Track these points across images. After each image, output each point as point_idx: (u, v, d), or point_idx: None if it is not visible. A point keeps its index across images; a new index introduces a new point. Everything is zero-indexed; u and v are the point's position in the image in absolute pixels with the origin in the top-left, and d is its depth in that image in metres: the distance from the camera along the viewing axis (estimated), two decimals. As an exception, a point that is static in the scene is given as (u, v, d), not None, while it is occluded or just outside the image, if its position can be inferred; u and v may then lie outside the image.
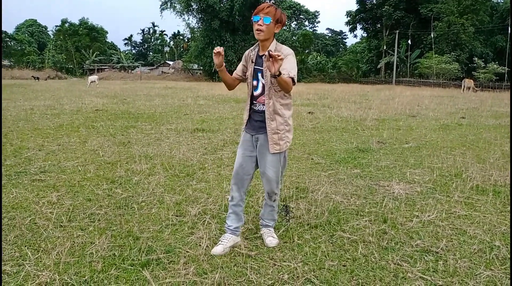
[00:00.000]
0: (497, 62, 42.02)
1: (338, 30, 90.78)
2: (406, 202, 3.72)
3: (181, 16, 51.67)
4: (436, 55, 43.03)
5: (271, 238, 2.80)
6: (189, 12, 52.05)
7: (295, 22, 59.21)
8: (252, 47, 2.73)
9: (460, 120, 10.28)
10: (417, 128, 8.60)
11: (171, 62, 72.03)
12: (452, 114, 11.79)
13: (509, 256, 2.66)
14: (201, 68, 58.41)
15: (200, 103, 14.44)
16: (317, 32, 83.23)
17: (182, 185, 4.17)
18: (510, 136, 6.93)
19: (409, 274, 2.40)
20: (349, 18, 57.72)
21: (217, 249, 2.64)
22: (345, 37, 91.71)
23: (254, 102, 2.70)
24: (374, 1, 53.56)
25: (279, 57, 2.20)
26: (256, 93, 2.66)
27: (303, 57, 58.10)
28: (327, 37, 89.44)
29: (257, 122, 2.68)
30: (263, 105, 2.63)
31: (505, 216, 3.37)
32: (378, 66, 53.24)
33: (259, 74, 2.63)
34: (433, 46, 45.15)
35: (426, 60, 43.25)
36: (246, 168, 2.72)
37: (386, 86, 36.38)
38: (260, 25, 2.50)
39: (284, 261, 2.55)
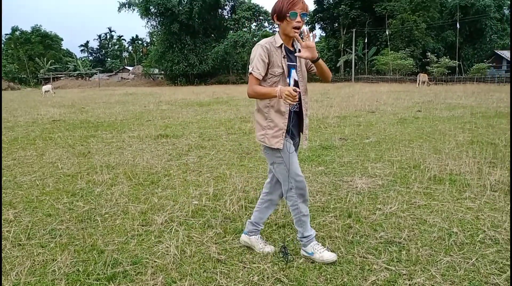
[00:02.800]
0: (448, 57, 44.15)
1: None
2: (369, 196, 3.84)
3: (142, 19, 50.58)
4: (392, 52, 44.66)
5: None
6: (148, 16, 51.14)
7: (255, 24, 59.47)
8: (268, 40, 2.42)
9: (417, 113, 10.71)
10: (377, 123, 8.89)
11: (130, 68, 70.49)
12: (409, 108, 12.27)
13: (466, 241, 2.80)
14: (162, 72, 57.56)
15: (162, 108, 14.22)
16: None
17: (147, 193, 4.09)
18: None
19: (374, 266, 2.48)
20: (307, 18, 58.77)
21: (331, 255, 2.53)
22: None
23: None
24: (331, 0, 54.86)
25: (309, 35, 2.19)
26: None
27: (264, 58, 58.45)
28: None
29: (295, 126, 2.53)
30: (296, 104, 2.44)
31: (461, 203, 3.55)
32: (338, 65, 54.53)
33: (293, 71, 2.45)
34: (388, 43, 46.86)
35: (382, 57, 44.77)
36: (302, 174, 2.54)
37: (346, 84, 37.35)
38: (300, 21, 2.30)
39: (254, 263, 2.56)
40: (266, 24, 62.47)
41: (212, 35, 55.34)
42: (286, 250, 2.63)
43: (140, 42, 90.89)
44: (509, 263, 2.47)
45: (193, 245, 2.83)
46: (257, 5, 56.10)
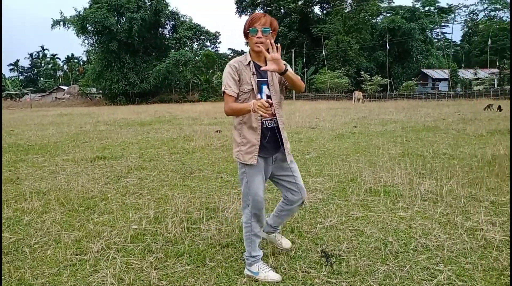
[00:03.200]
0: (380, 75, 47.22)
1: (240, 50, 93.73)
2: (310, 210, 3.93)
3: (79, 37, 48.53)
4: (329, 71, 46.92)
5: (286, 241, 2.93)
6: (85, 34, 49.27)
7: (197, 43, 59.60)
8: (238, 59, 2.48)
9: (353, 129, 11.25)
10: (317, 139, 9.20)
11: (65, 87, 67.07)
12: (346, 124, 12.86)
13: (401, 250, 2.95)
14: (100, 91, 55.44)
15: (100, 129, 13.62)
16: (220, 52, 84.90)
17: (82, 220, 3.85)
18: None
19: (316, 280, 2.52)
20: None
21: (275, 274, 2.56)
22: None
23: (262, 119, 2.46)
24: (270, 22, 56.62)
25: (276, 46, 2.23)
26: None
27: (208, 77, 58.59)
28: (229, 56, 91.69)
29: (270, 142, 2.50)
30: (271, 119, 2.49)
31: (395, 213, 3.75)
32: (279, 83, 56.03)
33: (264, 87, 2.47)
34: (325, 63, 49.20)
35: (320, 76, 46.88)
36: (262, 195, 2.57)
37: (288, 101, 38.41)
38: (260, 37, 2.37)
39: (196, 286, 2.49)
40: (208, 43, 62.86)
41: (153, 53, 54.52)
42: (327, 255, 2.80)
43: (76, 60, 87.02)
44: (439, 268, 2.63)
45: (131, 272, 2.69)
46: (199, 25, 56.41)
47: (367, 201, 4.18)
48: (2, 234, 3.50)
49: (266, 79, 2.47)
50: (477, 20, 77.70)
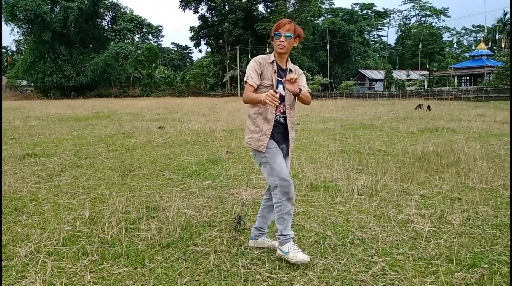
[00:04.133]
0: (321, 74, 48.78)
1: (184, 45, 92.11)
2: (253, 207, 3.95)
3: (7, 25, 44.70)
4: (274, 69, 47.53)
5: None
6: (14, 22, 45.57)
7: (138, 36, 57.59)
8: (263, 56, 2.78)
9: (296, 126, 11.48)
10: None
11: (-9, 79, 61.53)
12: (289, 121, 13.10)
13: (338, 243, 3.06)
14: (32, 84, 51.70)
15: (31, 124, 12.69)
16: (163, 46, 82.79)
17: (8, 222, 3.55)
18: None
19: (257, 276, 2.53)
20: (192, 34, 59.20)
21: (304, 255, 2.64)
22: (191, 51, 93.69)
23: (276, 113, 2.74)
24: (215, 18, 56.25)
25: (294, 80, 2.51)
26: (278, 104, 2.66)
27: (150, 71, 56.87)
28: (173, 51, 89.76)
29: (278, 133, 2.77)
30: (281, 115, 2.76)
31: (334, 208, 3.88)
32: (224, 80, 55.95)
33: (280, 86, 2.71)
34: (270, 61, 49.81)
35: (265, 73, 47.36)
36: (288, 173, 2.74)
37: (233, 98, 38.44)
38: (282, 41, 2.65)
39: (135, 289, 2.40)
40: (150, 37, 60.96)
41: (91, 45, 51.84)
42: (240, 219, 3.10)
43: (4, 50, 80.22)
44: (374, 260, 2.76)
45: (63, 277, 2.53)
46: (140, 17, 54.57)
47: (308, 196, 4.28)
48: None
49: (282, 80, 2.71)
50: (410, 24, 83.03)
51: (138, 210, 3.82)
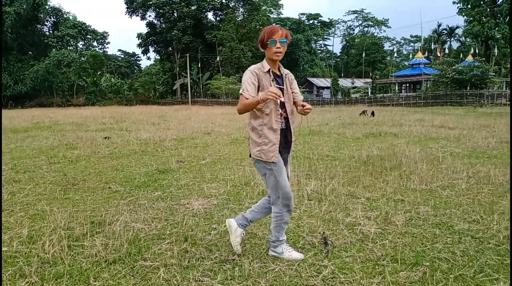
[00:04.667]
0: (271, 82, 49.38)
1: (131, 52, 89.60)
2: (205, 217, 3.89)
3: None
4: (224, 77, 47.69)
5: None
6: None
7: (82, 42, 55.31)
8: (257, 66, 2.74)
9: (247, 133, 11.55)
10: (212, 144, 9.23)
11: None
12: (240, 129, 13.17)
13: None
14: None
15: (-39, 137, 11.67)
16: (109, 53, 79.99)
17: None
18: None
19: (210, 288, 2.49)
20: (140, 41, 57.84)
21: (298, 255, 2.88)
22: (139, 59, 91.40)
23: (282, 121, 2.76)
24: (164, 25, 55.39)
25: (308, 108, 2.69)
26: (281, 111, 2.74)
27: (95, 79, 54.73)
28: (119, 58, 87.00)
29: (285, 141, 2.81)
30: (284, 122, 2.77)
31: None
32: (174, 87, 55.09)
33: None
34: (220, 69, 49.87)
35: (215, 82, 47.40)
36: (290, 187, 2.82)
37: (183, 106, 37.95)
38: (279, 47, 2.65)
39: (78, 310, 2.26)
40: (95, 43, 58.78)
41: (30, 52, 48.94)
42: (326, 240, 3.06)
43: None
44: (324, 263, 2.82)
45: (-3, 303, 2.33)
46: (84, 23, 52.46)
47: (260, 204, 4.29)
48: None
49: (282, 87, 2.76)
50: (353, 34, 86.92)
51: (82, 225, 3.62)
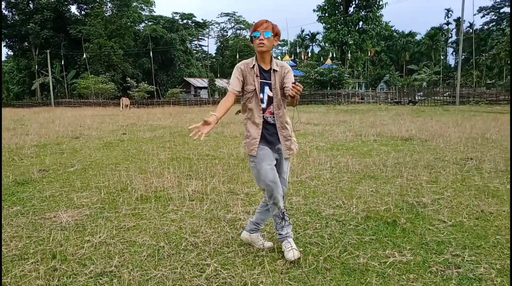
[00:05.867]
0: (146, 82, 47.79)
1: None
2: (76, 229, 3.56)
3: None
4: (92, 76, 44.16)
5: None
6: None
7: None
8: (245, 61, 2.80)
9: (122, 136, 10.95)
10: (82, 149, 8.48)
11: None
12: (114, 131, 12.39)
13: (172, 252, 3.03)
14: None
15: None
16: None
17: None
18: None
19: (85, 305, 2.29)
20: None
21: (292, 254, 2.78)
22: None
23: (264, 115, 2.80)
24: (17, 17, 48.65)
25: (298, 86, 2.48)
26: (263, 106, 2.78)
27: None
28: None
29: (272, 135, 2.83)
30: (271, 116, 2.81)
31: (166, 217, 3.84)
32: (33, 88, 48.87)
33: (266, 87, 2.78)
34: (88, 67, 46.01)
35: (83, 81, 43.59)
36: (277, 177, 2.79)
37: (45, 109, 33.96)
38: (262, 39, 2.68)
39: None
40: None
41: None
42: (284, 216, 2.93)
43: None
44: (207, 262, 2.84)
45: None
46: None
47: (139, 209, 4.12)
48: None
49: (269, 81, 2.77)
50: (227, 36, 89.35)
51: None
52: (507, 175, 5.22)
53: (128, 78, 46.37)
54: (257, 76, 2.77)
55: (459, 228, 3.39)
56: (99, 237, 3.32)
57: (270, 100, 2.80)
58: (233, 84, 2.77)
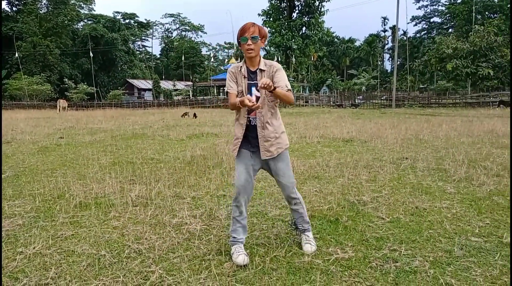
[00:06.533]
0: (86, 83, 45.56)
1: None
2: (7, 240, 3.29)
3: None
4: (26, 76, 41.31)
5: (308, 246, 2.97)
6: None
7: None
8: (235, 65, 2.85)
9: (59, 140, 10.34)
10: (14, 155, 7.88)
11: None
12: (50, 135, 11.67)
13: (114, 260, 2.91)
14: None
15: None
16: None
17: None
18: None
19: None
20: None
21: (243, 259, 2.76)
22: None
23: (249, 117, 2.82)
24: None
25: (268, 84, 2.50)
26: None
27: None
28: None
29: (255, 138, 2.82)
30: (255, 118, 2.81)
31: (107, 224, 3.67)
32: (-44, 88, 44.67)
33: (253, 88, 2.80)
34: (21, 67, 42.94)
35: (15, 81, 40.64)
36: (251, 182, 2.86)
37: (-29, 111, 31.11)
38: (250, 44, 2.69)
39: None
40: None
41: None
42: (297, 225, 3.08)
43: None
44: (152, 269, 2.76)
45: None
46: None
47: (78, 217, 3.90)
48: None
49: (256, 82, 2.78)
50: (172, 37, 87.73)
51: None
52: (438, 173, 5.63)
53: (66, 79, 43.97)
54: (244, 77, 2.83)
55: (396, 224, 3.59)
56: (33, 248, 3.10)
57: (257, 100, 2.78)
58: (231, 86, 2.86)
